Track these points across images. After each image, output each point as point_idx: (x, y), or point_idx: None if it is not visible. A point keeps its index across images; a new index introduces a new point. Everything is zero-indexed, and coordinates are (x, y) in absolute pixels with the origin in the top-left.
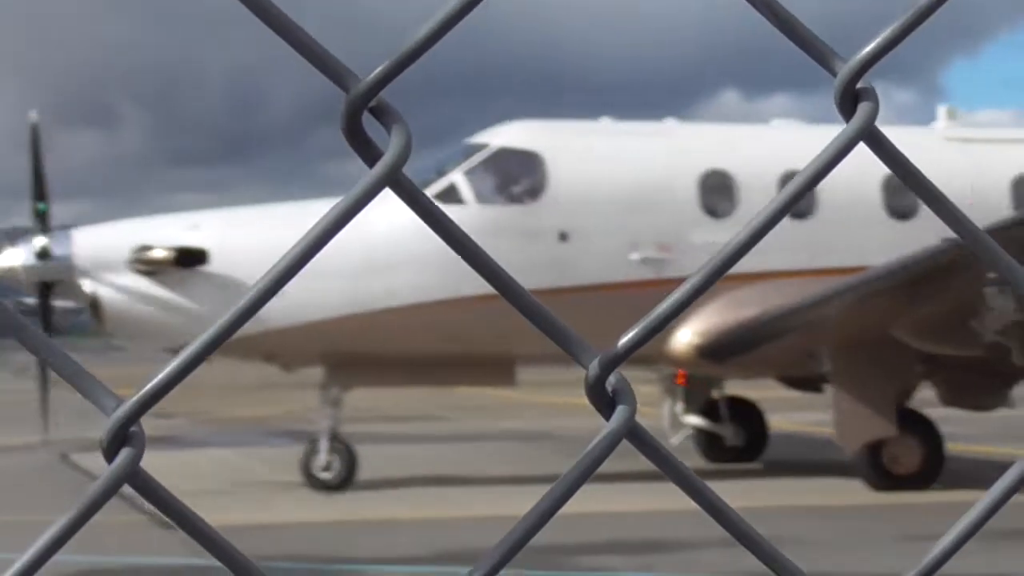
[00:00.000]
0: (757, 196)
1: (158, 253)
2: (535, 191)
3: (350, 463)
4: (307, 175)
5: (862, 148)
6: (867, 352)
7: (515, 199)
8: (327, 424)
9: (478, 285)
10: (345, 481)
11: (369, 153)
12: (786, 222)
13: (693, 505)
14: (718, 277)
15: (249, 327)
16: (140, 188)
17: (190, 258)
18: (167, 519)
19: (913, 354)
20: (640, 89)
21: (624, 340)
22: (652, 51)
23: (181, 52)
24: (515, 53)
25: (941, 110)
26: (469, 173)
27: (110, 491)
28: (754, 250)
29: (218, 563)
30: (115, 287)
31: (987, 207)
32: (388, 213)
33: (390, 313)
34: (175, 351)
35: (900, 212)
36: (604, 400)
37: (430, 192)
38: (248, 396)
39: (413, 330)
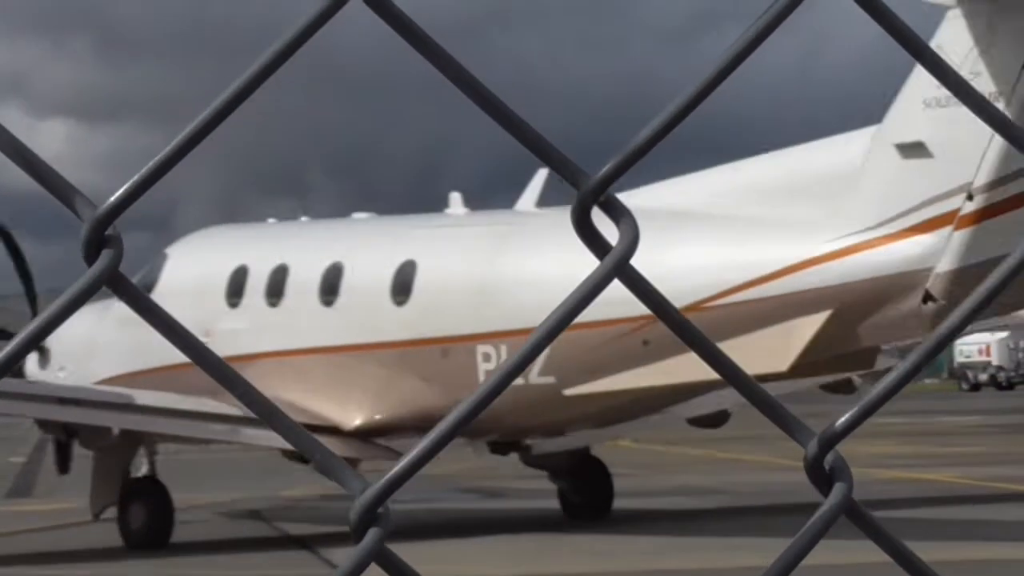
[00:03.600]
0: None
1: None
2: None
3: None
4: None
5: None
6: None
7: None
8: None
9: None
10: None
11: (598, 245)
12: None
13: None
14: None
15: None
16: None
17: None
18: None
19: None
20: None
21: (842, 421)
22: (831, 108)
23: (369, 128)
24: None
25: None
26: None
27: (359, 569)
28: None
29: None
30: None
31: None
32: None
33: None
34: None
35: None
36: (822, 478)
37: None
38: None
39: None
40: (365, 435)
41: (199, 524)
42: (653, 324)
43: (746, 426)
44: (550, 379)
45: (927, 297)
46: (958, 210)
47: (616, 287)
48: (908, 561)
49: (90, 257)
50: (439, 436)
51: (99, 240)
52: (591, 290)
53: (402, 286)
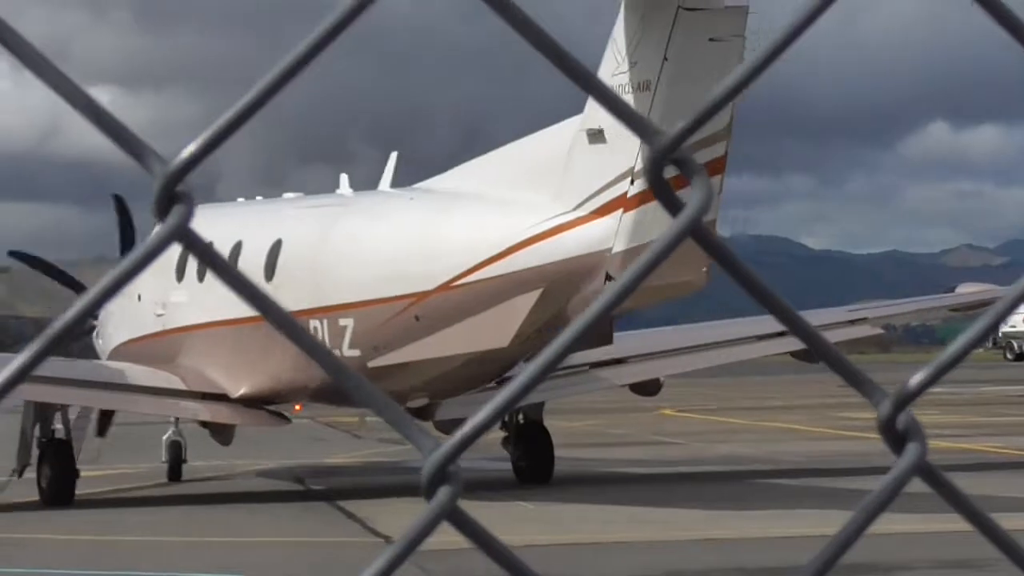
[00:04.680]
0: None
1: None
2: None
3: None
4: None
5: None
6: None
7: None
8: None
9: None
10: None
11: (672, 203)
12: None
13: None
14: None
15: None
16: None
17: None
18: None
19: None
20: (851, 120)
21: (916, 380)
22: (866, 81)
23: (411, 96)
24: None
25: None
26: None
27: (431, 527)
28: None
29: None
30: None
31: None
32: None
33: None
34: None
35: None
36: (895, 438)
37: None
38: None
39: None
40: (248, 401)
41: (237, 481)
42: (423, 301)
43: (791, 396)
44: (356, 352)
45: (608, 276)
46: (626, 193)
47: (392, 264)
48: (984, 524)
49: (161, 213)
50: (508, 396)
51: (170, 196)
52: (665, 247)
53: (271, 264)
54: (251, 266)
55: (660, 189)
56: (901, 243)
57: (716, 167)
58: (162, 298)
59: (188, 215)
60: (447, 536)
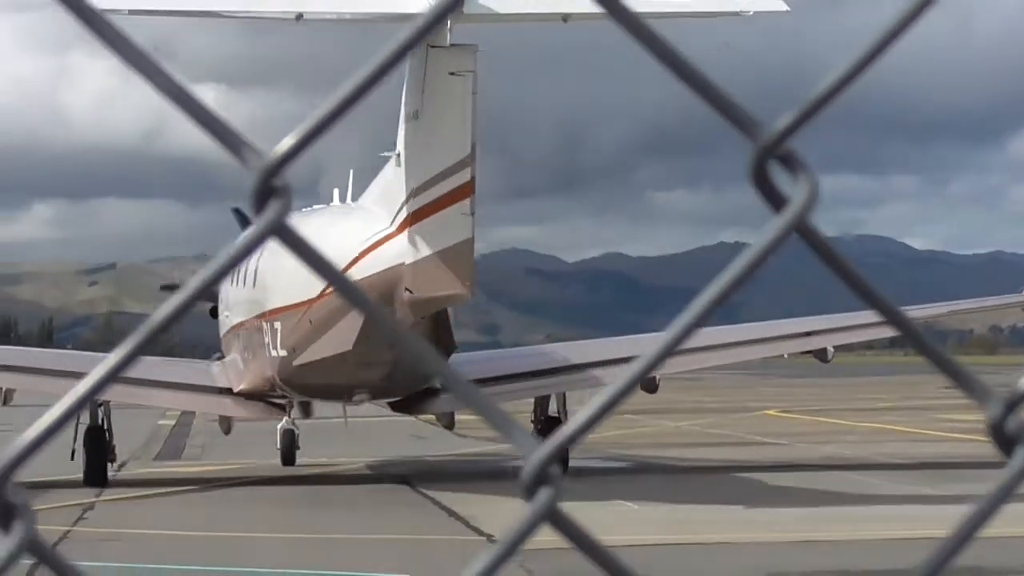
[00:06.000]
0: None
1: None
2: None
3: None
4: (629, 204)
5: None
6: None
7: None
8: None
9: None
10: None
11: (775, 200)
12: None
13: None
14: None
15: None
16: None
17: None
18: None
19: None
20: (958, 119)
21: None
22: (974, 80)
23: (514, 95)
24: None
25: None
26: None
27: (531, 529)
28: None
29: None
30: None
31: None
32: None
33: None
34: None
35: None
36: (1004, 440)
37: None
38: None
39: None
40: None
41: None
42: (312, 307)
43: (897, 397)
44: (284, 352)
45: (406, 288)
46: (411, 211)
47: (297, 273)
48: None
49: (258, 206)
50: (608, 399)
51: (267, 190)
52: (769, 245)
53: (243, 274)
54: (238, 277)
55: (762, 184)
56: (1007, 244)
57: (464, 191)
58: (226, 296)
59: (285, 209)
60: (551, 536)
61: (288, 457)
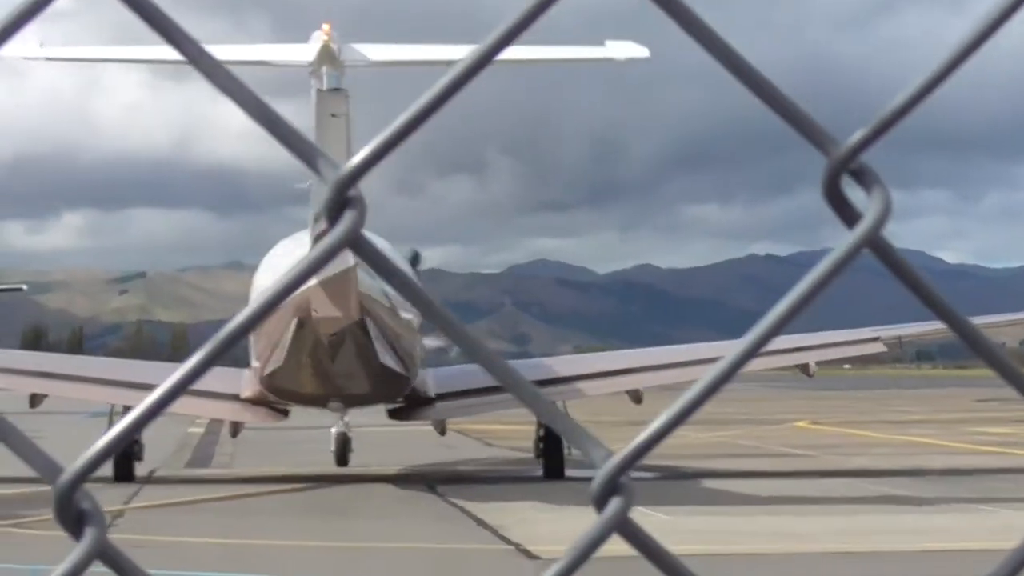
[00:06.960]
0: None
1: None
2: None
3: None
4: (659, 217)
5: None
6: None
7: None
8: None
9: None
10: None
11: (848, 215)
12: None
13: None
14: None
15: None
16: (499, 233)
17: None
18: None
19: None
20: (991, 135)
21: None
22: (1008, 95)
23: (545, 106)
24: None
25: None
26: None
27: (602, 539)
28: None
29: None
30: None
31: None
32: None
33: None
34: None
35: None
36: None
37: None
38: None
39: None
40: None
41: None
42: (265, 322)
43: (928, 410)
44: (258, 363)
45: (313, 308)
46: (313, 238)
47: (259, 289)
48: None
49: (333, 218)
50: (681, 409)
51: (342, 201)
52: (840, 260)
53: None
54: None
55: (836, 200)
56: None
57: None
58: None
59: (359, 220)
60: (620, 545)
61: (342, 459)
